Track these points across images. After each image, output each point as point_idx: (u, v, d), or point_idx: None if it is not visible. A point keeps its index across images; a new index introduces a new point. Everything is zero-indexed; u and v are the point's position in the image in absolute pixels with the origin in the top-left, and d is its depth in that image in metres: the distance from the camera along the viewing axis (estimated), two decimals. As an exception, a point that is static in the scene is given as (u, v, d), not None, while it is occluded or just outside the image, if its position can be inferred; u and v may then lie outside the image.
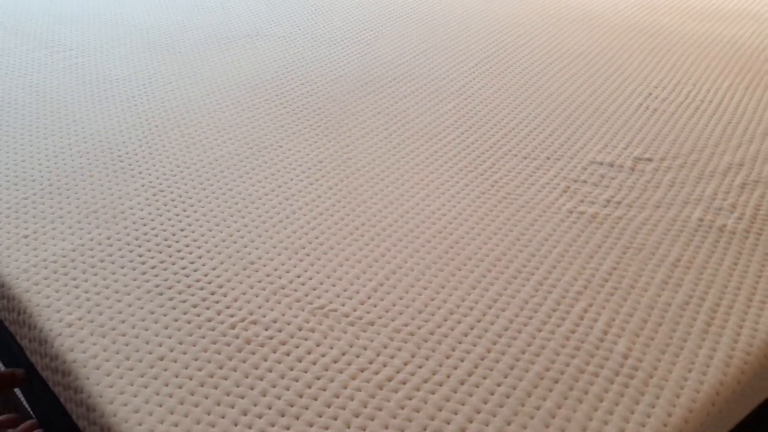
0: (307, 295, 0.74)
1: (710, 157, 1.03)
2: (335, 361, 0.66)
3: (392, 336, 0.69)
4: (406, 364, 0.66)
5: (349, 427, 0.59)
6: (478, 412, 0.61)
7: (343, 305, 0.73)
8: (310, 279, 0.76)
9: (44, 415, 0.79)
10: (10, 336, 0.75)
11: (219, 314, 0.70)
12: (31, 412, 0.83)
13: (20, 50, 1.31)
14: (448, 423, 0.60)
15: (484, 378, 0.65)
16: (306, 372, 0.64)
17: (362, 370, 0.65)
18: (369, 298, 0.74)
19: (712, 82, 1.27)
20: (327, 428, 0.59)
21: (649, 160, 1.02)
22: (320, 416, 0.60)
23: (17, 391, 0.87)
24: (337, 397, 0.62)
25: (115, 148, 0.99)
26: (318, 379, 0.64)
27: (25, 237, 0.80)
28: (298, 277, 0.76)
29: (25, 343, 0.71)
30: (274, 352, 0.66)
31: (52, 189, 0.89)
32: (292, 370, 0.65)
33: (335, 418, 0.60)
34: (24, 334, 0.71)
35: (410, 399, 0.62)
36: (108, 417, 0.59)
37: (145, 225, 0.83)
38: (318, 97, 1.18)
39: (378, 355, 0.67)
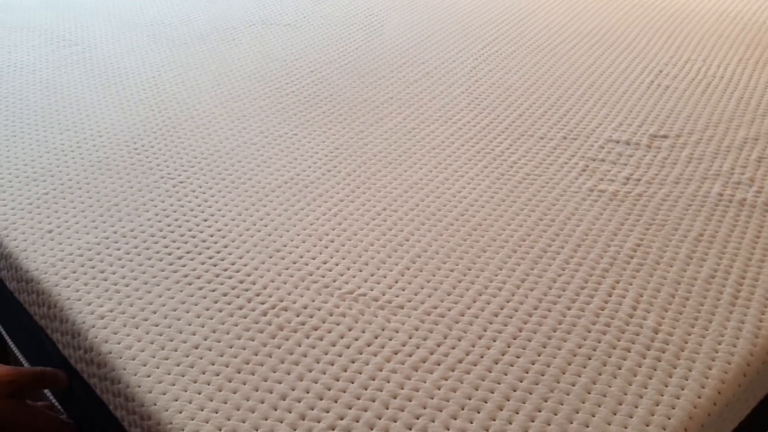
0: (334, 281, 0.74)
1: (725, 133, 1.03)
2: (368, 345, 0.66)
3: (423, 318, 0.69)
4: (438, 345, 0.66)
5: (387, 408, 0.60)
6: (514, 390, 0.62)
7: (372, 290, 0.73)
8: (337, 265, 0.76)
9: (75, 411, 0.79)
10: (41, 331, 0.75)
11: (249, 302, 0.71)
12: (60, 408, 0.84)
13: (26, 46, 1.31)
14: (486, 401, 0.61)
15: (518, 357, 0.65)
16: (340, 356, 0.65)
17: (396, 353, 0.65)
18: (396, 282, 0.74)
19: (722, 57, 1.27)
20: (366, 410, 0.60)
21: (665, 137, 1.02)
22: (358, 398, 0.61)
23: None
24: (374, 379, 0.63)
25: (130, 141, 0.99)
26: (353, 362, 0.64)
27: (49, 232, 0.80)
28: (325, 263, 0.76)
29: (57, 337, 0.72)
30: (307, 337, 0.67)
31: (72, 184, 0.89)
32: (326, 354, 0.65)
33: (373, 400, 0.60)
34: (55, 327, 0.71)
35: (446, 379, 0.63)
36: (148, 406, 0.60)
37: (167, 216, 0.83)
38: (328, 84, 1.18)
39: (410, 338, 0.67)
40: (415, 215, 0.84)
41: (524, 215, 0.84)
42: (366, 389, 0.62)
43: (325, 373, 0.63)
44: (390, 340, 0.67)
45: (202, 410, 0.59)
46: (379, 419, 0.59)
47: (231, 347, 0.65)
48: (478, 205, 0.86)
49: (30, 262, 0.76)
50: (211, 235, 0.80)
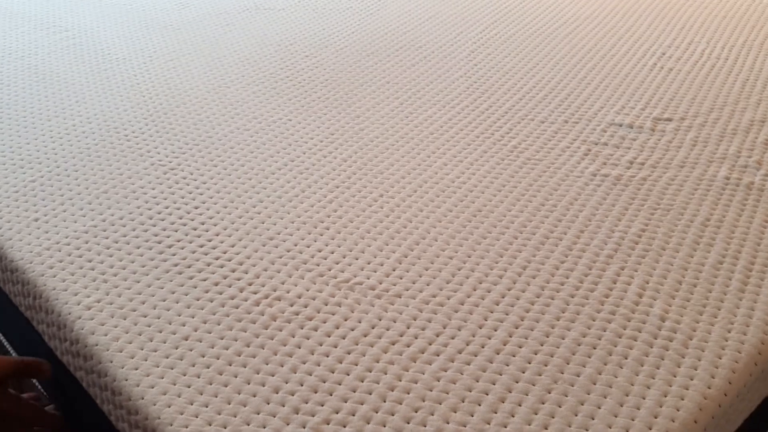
0: (330, 270, 0.71)
1: (731, 115, 1.01)
2: (365, 335, 0.64)
3: (421, 308, 0.67)
4: (438, 335, 0.64)
5: (384, 401, 0.58)
6: (517, 381, 0.59)
7: (368, 278, 0.70)
8: (332, 253, 0.74)
9: (64, 403, 0.77)
10: (26, 322, 0.73)
11: (242, 291, 0.68)
12: (48, 399, 0.81)
13: (16, 32, 1.28)
14: (487, 393, 0.58)
15: (520, 347, 0.63)
16: (336, 347, 0.62)
17: (393, 343, 0.63)
18: (394, 270, 0.72)
19: (725, 39, 1.24)
20: (362, 403, 0.57)
21: (669, 120, 1.00)
22: (354, 391, 0.58)
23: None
24: (370, 371, 0.60)
25: (120, 127, 0.97)
26: (349, 353, 0.62)
27: (36, 220, 0.78)
28: (320, 251, 0.74)
29: (43, 328, 0.69)
30: (302, 327, 0.64)
31: (60, 171, 0.87)
32: (321, 345, 0.62)
33: (370, 393, 0.58)
34: (41, 319, 0.69)
35: (445, 371, 0.60)
36: (135, 399, 0.57)
37: (158, 204, 0.81)
38: (324, 69, 1.15)
39: (408, 328, 0.65)
40: (413, 201, 0.82)
41: (525, 200, 0.82)
42: (362, 381, 0.59)
43: (319, 365, 0.61)
44: (387, 330, 0.64)
45: (192, 404, 0.57)
46: (376, 412, 0.57)
47: (222, 338, 0.63)
48: (477, 190, 0.84)
49: (15, 252, 0.73)
50: (203, 223, 0.78)
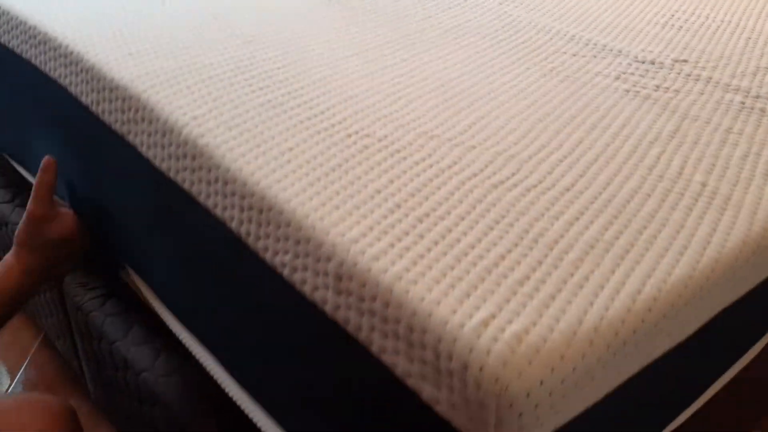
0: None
1: (738, 62, 1.12)
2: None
3: (495, 157, 0.75)
4: (513, 174, 0.72)
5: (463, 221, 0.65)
6: (582, 213, 0.68)
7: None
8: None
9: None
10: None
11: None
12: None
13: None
14: (553, 223, 0.66)
15: (587, 188, 0.71)
16: (419, 176, 0.70)
17: (474, 175, 0.71)
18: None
19: (728, 7, 1.37)
20: (443, 219, 0.65)
21: (685, 61, 1.10)
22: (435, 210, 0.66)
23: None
24: (452, 195, 0.68)
25: None
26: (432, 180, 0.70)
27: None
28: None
29: (142, 139, 0.75)
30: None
31: None
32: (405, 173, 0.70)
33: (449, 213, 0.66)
34: (141, 130, 0.75)
35: (518, 202, 0.68)
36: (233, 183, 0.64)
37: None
38: None
39: (486, 167, 0.73)
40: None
41: (565, 108, 0.91)
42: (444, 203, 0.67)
43: (401, 191, 0.68)
44: (468, 166, 0.73)
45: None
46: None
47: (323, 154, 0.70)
48: (535, 90, 0.93)
49: (115, 73, 0.80)
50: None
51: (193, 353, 0.85)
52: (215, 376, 0.82)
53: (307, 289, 0.64)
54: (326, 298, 0.62)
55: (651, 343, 0.62)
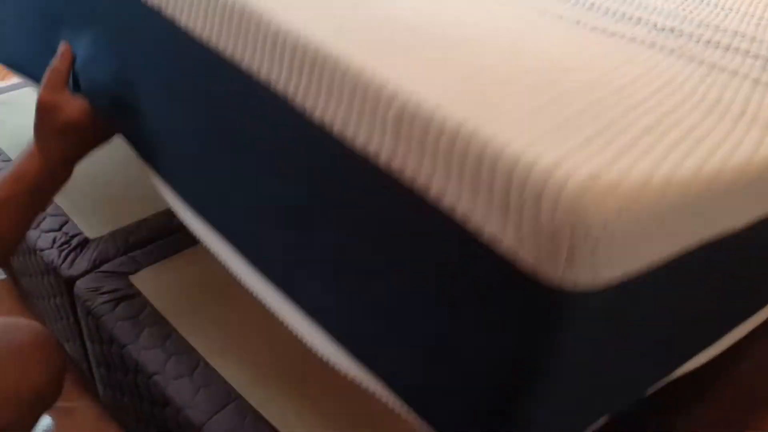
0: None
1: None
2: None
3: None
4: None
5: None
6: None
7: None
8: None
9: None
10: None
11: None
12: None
13: None
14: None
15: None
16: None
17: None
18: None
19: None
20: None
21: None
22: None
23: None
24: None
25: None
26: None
27: None
28: None
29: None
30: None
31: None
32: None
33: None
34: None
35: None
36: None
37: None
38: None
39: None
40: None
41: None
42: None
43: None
44: None
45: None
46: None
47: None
48: None
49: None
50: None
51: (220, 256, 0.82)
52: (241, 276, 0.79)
53: (359, 143, 0.61)
54: (381, 147, 0.60)
55: (713, 214, 0.61)
